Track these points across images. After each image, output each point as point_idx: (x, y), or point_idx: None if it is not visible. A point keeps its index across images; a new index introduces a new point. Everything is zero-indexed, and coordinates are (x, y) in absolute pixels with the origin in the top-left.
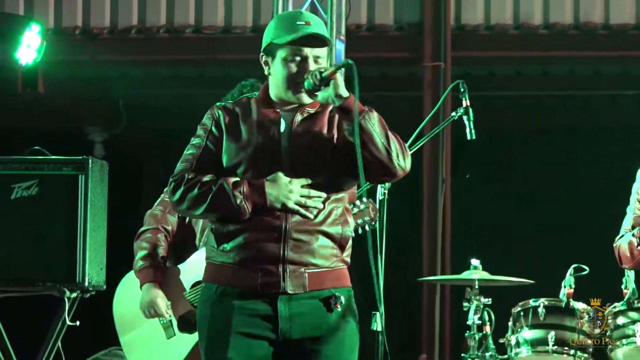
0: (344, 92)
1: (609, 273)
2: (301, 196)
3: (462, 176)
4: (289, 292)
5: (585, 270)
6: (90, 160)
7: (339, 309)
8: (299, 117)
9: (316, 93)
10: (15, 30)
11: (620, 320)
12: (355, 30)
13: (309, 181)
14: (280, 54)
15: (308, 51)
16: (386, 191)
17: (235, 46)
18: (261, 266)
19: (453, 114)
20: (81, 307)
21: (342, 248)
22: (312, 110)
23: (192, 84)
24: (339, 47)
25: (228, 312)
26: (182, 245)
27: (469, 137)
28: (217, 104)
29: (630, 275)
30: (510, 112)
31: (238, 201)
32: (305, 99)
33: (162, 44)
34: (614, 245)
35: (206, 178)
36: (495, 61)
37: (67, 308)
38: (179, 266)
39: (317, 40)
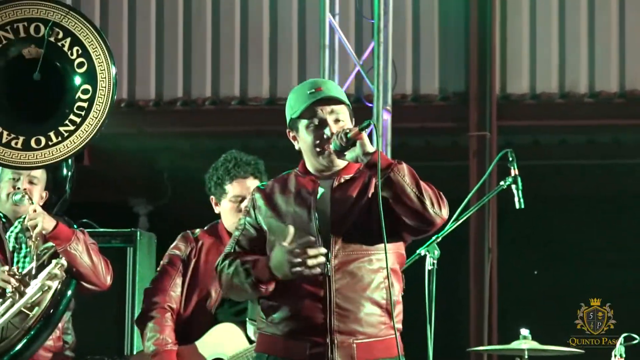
0: (371, 149)
1: None
2: (299, 255)
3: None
4: None
5: (635, 339)
6: (138, 233)
7: None
8: (335, 184)
9: (345, 153)
10: None
11: None
12: (400, 100)
13: (310, 238)
14: (301, 125)
15: (324, 114)
16: (435, 261)
17: (281, 117)
18: (309, 337)
19: (502, 183)
20: None
21: (389, 314)
22: (348, 177)
23: None
24: (386, 117)
25: None
26: (191, 322)
27: (517, 206)
28: (258, 185)
29: (622, 344)
30: (555, 180)
31: (250, 280)
32: (337, 161)
33: (207, 116)
34: None
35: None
36: (540, 130)
37: None
38: (196, 343)
39: (329, 101)
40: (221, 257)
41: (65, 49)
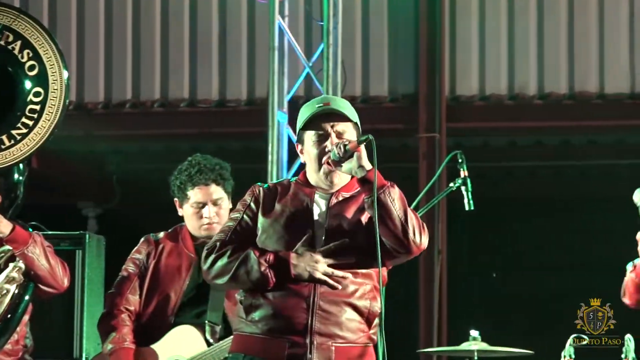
0: (367, 165)
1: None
2: (328, 265)
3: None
4: None
5: (584, 339)
6: (87, 236)
7: None
8: (334, 201)
9: (342, 164)
10: None
11: None
12: (350, 102)
13: (334, 261)
14: (307, 137)
15: (329, 128)
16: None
17: (230, 119)
18: (288, 337)
19: (451, 184)
20: None
21: (369, 324)
22: (347, 195)
23: (185, 159)
24: None
25: None
26: (150, 324)
27: (467, 208)
28: (259, 183)
29: (630, 344)
30: (504, 182)
31: (262, 269)
32: (336, 180)
33: (156, 118)
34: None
35: (237, 250)
36: (490, 131)
37: None
38: (153, 346)
39: (335, 117)
40: (215, 244)
41: (16, 52)
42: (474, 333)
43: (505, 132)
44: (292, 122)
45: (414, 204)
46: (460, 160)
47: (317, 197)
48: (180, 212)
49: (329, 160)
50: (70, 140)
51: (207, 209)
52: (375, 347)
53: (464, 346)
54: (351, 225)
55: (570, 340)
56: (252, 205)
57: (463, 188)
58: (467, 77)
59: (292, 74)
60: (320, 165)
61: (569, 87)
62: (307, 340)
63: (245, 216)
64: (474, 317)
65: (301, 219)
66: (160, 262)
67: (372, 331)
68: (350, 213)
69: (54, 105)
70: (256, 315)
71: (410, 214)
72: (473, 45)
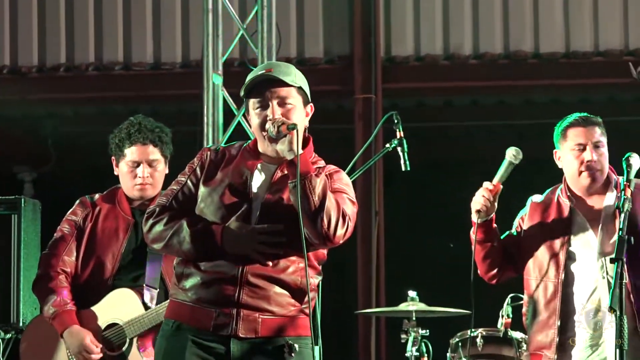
0: (295, 149)
1: None
2: (260, 243)
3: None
4: (240, 335)
5: (522, 299)
6: (22, 200)
7: (293, 358)
8: (278, 175)
9: (275, 143)
10: None
11: None
12: None
13: (266, 238)
14: (250, 105)
15: (268, 96)
16: None
17: (165, 82)
18: (216, 308)
19: (387, 145)
20: (16, 348)
21: (300, 298)
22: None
23: (121, 121)
24: None
25: (183, 345)
26: (88, 287)
27: (403, 169)
28: (210, 145)
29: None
30: (440, 142)
31: (192, 240)
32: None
33: (91, 82)
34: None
35: (175, 217)
36: (425, 92)
37: (1, 349)
38: (92, 307)
39: (276, 83)
40: (155, 209)
41: None
42: (411, 293)
43: (441, 92)
44: (227, 84)
45: (350, 165)
46: (396, 121)
47: (260, 167)
48: (116, 171)
49: (266, 135)
50: (4, 104)
51: (141, 168)
52: (310, 317)
53: (402, 307)
54: (289, 203)
55: (507, 300)
56: (197, 170)
57: (399, 149)
58: (402, 37)
59: (227, 36)
60: (261, 136)
61: (504, 47)
62: (234, 311)
63: (189, 181)
64: (411, 278)
65: (238, 191)
66: (97, 225)
67: (304, 305)
68: (289, 190)
69: None
70: (187, 283)
71: (330, 206)
72: (408, 5)
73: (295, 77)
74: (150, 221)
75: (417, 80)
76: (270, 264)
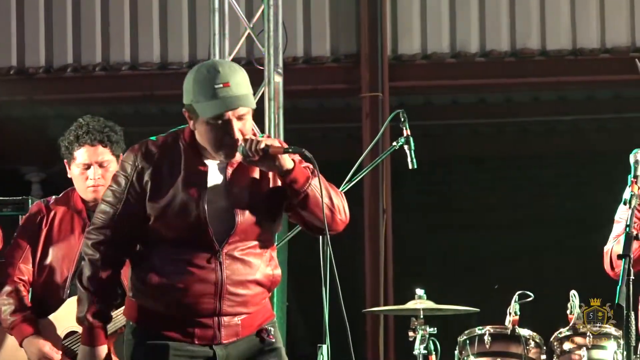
0: (290, 164)
1: (552, 298)
2: None
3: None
4: (224, 342)
5: (530, 296)
6: (30, 200)
7: (272, 339)
8: (230, 170)
9: (253, 161)
10: None
11: (566, 345)
12: (292, 63)
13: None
14: (202, 116)
15: (230, 114)
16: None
17: (172, 82)
18: (197, 319)
19: (394, 143)
20: None
21: (269, 287)
22: (240, 159)
23: (129, 121)
24: (277, 80)
25: (164, 352)
26: (45, 294)
27: (410, 167)
28: (138, 146)
29: (575, 300)
30: (447, 140)
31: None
32: (238, 157)
33: (98, 82)
34: (605, 250)
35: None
36: (432, 90)
37: None
38: (50, 316)
39: (238, 100)
40: (96, 227)
41: None
42: (419, 292)
43: (448, 90)
44: None
45: (358, 163)
46: (403, 119)
47: (210, 167)
48: (69, 174)
49: (234, 152)
50: (11, 105)
51: (92, 170)
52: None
53: (410, 305)
54: (254, 195)
55: (515, 297)
56: (135, 182)
57: (406, 147)
58: (409, 35)
59: (233, 36)
60: (218, 150)
61: (510, 45)
62: (215, 321)
63: (129, 197)
64: (419, 275)
65: (195, 204)
66: (53, 229)
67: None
68: (248, 181)
69: None
70: (159, 293)
71: (334, 195)
72: (414, 3)
73: (249, 89)
74: (89, 242)
75: (423, 78)
76: (243, 268)
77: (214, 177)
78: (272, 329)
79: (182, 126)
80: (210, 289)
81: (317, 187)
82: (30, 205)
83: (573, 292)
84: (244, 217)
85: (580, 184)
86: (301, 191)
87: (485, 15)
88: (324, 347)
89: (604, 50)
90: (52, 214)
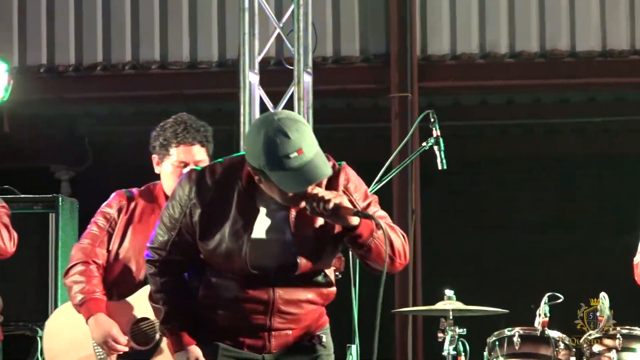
0: (356, 222)
1: (582, 299)
2: None
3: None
4: (274, 352)
5: (559, 298)
6: (60, 198)
7: (325, 347)
8: (293, 213)
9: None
10: None
11: (596, 348)
12: (321, 63)
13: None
14: (281, 187)
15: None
16: None
17: (201, 81)
18: (246, 334)
19: (424, 144)
20: None
21: (324, 305)
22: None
23: (157, 120)
24: (307, 79)
25: (214, 350)
26: (119, 280)
27: (440, 167)
28: (195, 176)
29: (605, 302)
30: (476, 141)
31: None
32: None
33: (127, 81)
34: (635, 262)
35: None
36: (461, 90)
37: (39, 348)
38: (127, 299)
39: (318, 170)
40: (151, 255)
41: None
42: (449, 292)
43: (477, 91)
44: (263, 83)
45: (387, 163)
46: (432, 120)
47: (270, 206)
48: (158, 170)
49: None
50: (41, 103)
51: (188, 169)
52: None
53: (439, 305)
54: (317, 237)
55: (545, 299)
56: (188, 217)
57: (436, 147)
58: (438, 36)
59: (263, 35)
60: (286, 201)
61: (540, 46)
62: (266, 335)
63: (182, 228)
64: (448, 276)
65: (238, 256)
66: (133, 220)
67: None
68: (313, 224)
69: None
70: (210, 306)
71: (395, 238)
72: (444, 4)
73: (316, 143)
74: (149, 271)
75: (453, 79)
76: (296, 287)
77: (274, 215)
78: (325, 335)
79: (238, 155)
80: (261, 307)
81: (381, 239)
82: (60, 204)
83: (603, 294)
84: (306, 260)
85: (608, 186)
86: (365, 245)
87: (514, 16)
88: (354, 347)
89: (633, 52)
90: (132, 204)
